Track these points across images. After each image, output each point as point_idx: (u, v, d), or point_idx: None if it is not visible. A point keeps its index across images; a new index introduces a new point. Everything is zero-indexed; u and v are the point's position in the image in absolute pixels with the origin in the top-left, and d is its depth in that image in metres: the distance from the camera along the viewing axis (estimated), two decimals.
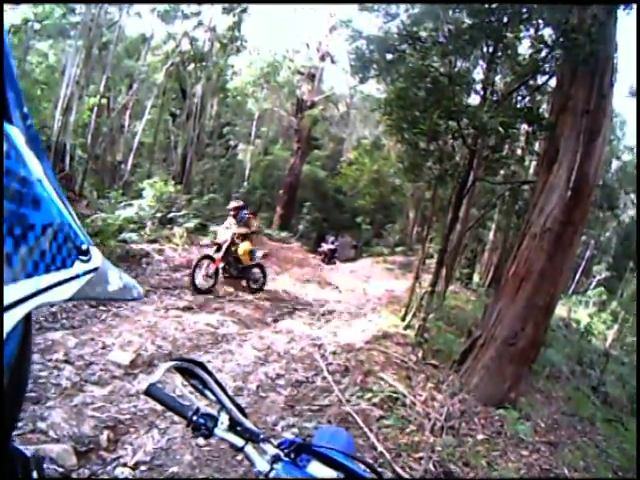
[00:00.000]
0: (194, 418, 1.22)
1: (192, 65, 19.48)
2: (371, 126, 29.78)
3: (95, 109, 16.40)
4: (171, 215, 13.10)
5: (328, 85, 28.99)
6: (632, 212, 31.08)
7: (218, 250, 9.91)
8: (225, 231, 10.20)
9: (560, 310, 15.82)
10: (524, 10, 7.53)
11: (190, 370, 1.25)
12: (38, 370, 4.44)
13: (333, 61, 25.79)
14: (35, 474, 0.72)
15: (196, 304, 8.31)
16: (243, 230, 10.29)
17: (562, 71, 7.35)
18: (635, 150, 26.27)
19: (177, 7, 18.37)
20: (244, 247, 10.23)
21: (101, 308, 6.70)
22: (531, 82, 8.85)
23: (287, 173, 26.03)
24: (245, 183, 26.60)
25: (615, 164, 29.77)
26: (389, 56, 8.63)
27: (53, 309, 6.12)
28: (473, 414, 6.03)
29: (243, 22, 19.99)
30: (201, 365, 1.26)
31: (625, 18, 7.05)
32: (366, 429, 4.90)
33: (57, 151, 12.98)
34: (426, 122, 8.30)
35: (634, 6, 6.75)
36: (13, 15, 17.27)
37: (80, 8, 16.10)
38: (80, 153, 15.86)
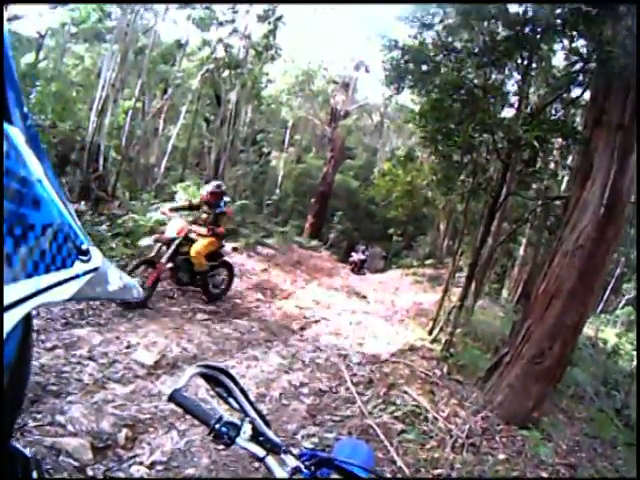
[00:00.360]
0: (217, 426, 1.23)
1: (227, 72, 19.62)
2: (405, 137, 29.65)
3: (130, 112, 16.66)
4: None
5: (362, 95, 29.10)
6: None
7: (167, 246, 7.64)
8: (176, 223, 7.90)
9: (587, 329, 15.47)
10: (558, 22, 7.43)
11: (215, 377, 1.26)
12: (62, 365, 4.52)
13: (367, 71, 25.85)
14: (35, 474, 0.72)
15: (223, 308, 8.36)
16: (203, 231, 8.00)
17: (596, 84, 7.21)
18: None
19: (212, 14, 18.56)
20: (198, 247, 7.85)
21: (128, 307, 6.77)
22: (565, 95, 8.73)
23: (319, 182, 26.14)
24: (277, 190, 26.76)
25: None
26: (424, 67, 8.59)
27: (80, 306, 6.21)
28: (495, 432, 5.93)
29: (278, 30, 20.10)
30: (226, 373, 1.26)
31: None
32: (387, 442, 4.87)
33: (91, 152, 13.21)
34: (460, 134, 8.25)
35: None
36: (51, 18, 17.75)
37: (116, 13, 16.44)
38: (114, 155, 16.11)
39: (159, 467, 3.55)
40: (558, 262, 6.54)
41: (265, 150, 27.14)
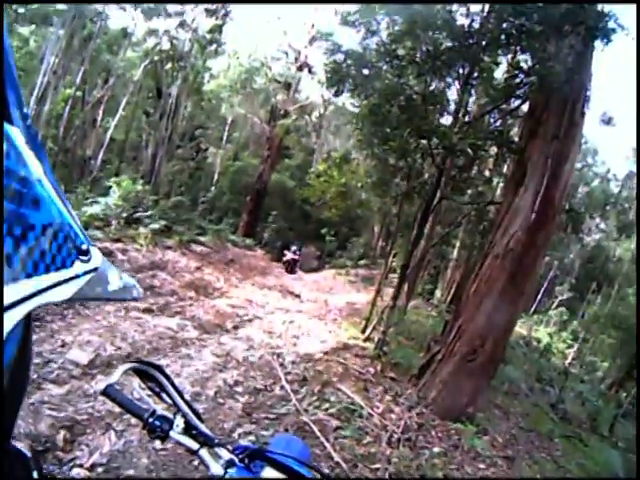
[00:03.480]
0: (150, 420, 1.22)
1: (170, 64, 19.32)
2: (342, 139, 29.97)
3: (70, 101, 16.13)
4: (137, 215, 12.90)
5: (303, 95, 29.13)
6: (596, 236, 32.08)
7: None
8: None
9: (521, 328, 16.13)
10: (502, 37, 7.68)
11: (148, 373, 1.25)
12: None
13: (311, 72, 25.88)
14: (35, 474, 0.72)
15: (156, 307, 8.20)
16: None
17: (535, 97, 7.55)
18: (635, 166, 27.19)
19: (161, 5, 18.23)
20: None
21: (62, 305, 6.57)
22: (504, 106, 9.02)
23: (255, 180, 25.96)
24: (213, 188, 26.46)
25: (583, 189, 30.58)
26: (365, 71, 8.69)
27: None
28: (430, 427, 6.08)
29: (225, 25, 19.94)
30: (159, 368, 1.25)
31: (600, 50, 7.26)
32: (323, 439, 4.91)
33: None
34: (397, 139, 8.39)
35: (631, 9, 7.02)
36: None
37: None
38: (51, 145, 15.57)
39: (99, 469, 3.46)
40: (489, 264, 6.78)
41: (203, 146, 26.80)
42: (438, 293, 20.80)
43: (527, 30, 7.12)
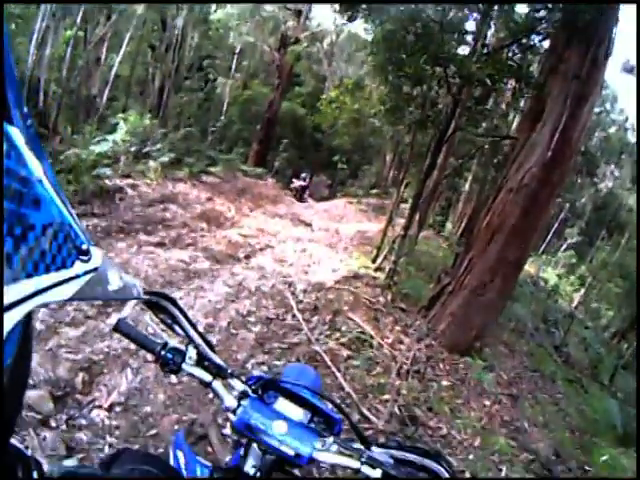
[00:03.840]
0: (162, 353, 1.23)
1: None
2: (355, 66, 29.17)
3: (71, 42, 15.72)
4: (146, 149, 12.80)
5: (315, 23, 28.23)
6: (610, 183, 31.58)
7: None
8: None
9: (529, 267, 16.14)
10: None
11: (159, 305, 1.24)
12: None
13: None
14: (35, 474, 0.72)
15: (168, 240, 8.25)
16: None
17: (557, 34, 7.21)
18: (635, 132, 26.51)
19: None
20: None
21: None
22: (524, 41, 8.69)
23: (266, 109, 25.54)
24: (222, 117, 26.09)
25: (600, 134, 29.89)
26: None
27: None
28: (439, 360, 6.20)
29: None
30: (171, 300, 1.24)
31: None
32: (334, 369, 5.02)
33: (31, 87, 12.56)
34: (412, 66, 8.16)
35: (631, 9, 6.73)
36: None
37: None
38: (55, 88, 15.32)
39: (118, 408, 3.56)
40: (503, 199, 6.70)
41: (211, 77, 26.23)
42: (449, 225, 20.77)
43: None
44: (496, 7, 8.30)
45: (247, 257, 8.83)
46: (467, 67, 7.53)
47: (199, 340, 1.26)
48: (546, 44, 8.35)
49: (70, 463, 2.84)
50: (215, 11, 23.04)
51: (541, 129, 6.48)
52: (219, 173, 16.11)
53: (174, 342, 1.27)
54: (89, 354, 4.06)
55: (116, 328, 1.27)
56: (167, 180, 11.80)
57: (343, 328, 6.17)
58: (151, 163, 11.95)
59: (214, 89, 27.16)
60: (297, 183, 21.73)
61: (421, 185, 9.41)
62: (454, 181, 18.59)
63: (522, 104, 10.95)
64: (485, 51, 9.01)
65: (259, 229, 11.46)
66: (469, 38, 9.14)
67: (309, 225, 14.64)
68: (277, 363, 4.90)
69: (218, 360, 1.28)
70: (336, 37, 29.02)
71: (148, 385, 3.89)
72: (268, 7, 25.05)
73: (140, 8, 18.67)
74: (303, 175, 22.46)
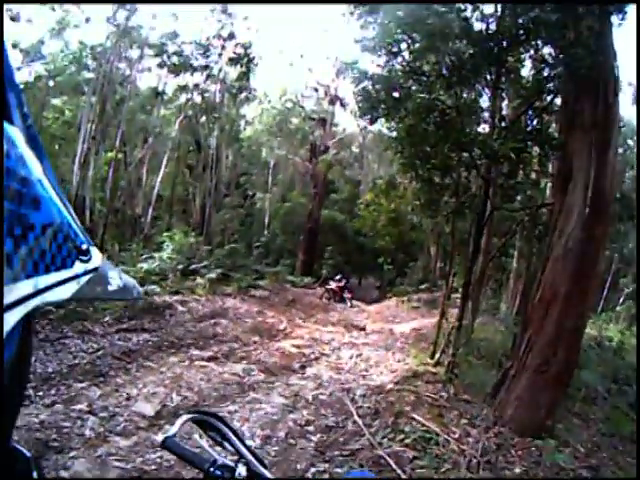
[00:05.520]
0: (211, 470, 1.20)
1: (204, 117, 19.85)
2: (385, 165, 29.93)
3: (112, 163, 16.77)
4: (193, 266, 13.15)
5: (340, 128, 29.38)
6: None
7: None
8: None
9: (591, 329, 15.43)
10: (521, 32, 7.59)
11: (208, 422, 1.24)
12: (61, 420, 4.44)
13: (342, 104, 26.12)
14: (35, 474, 0.72)
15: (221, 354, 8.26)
16: None
17: (566, 88, 7.35)
18: None
19: (185, 60, 18.82)
20: None
21: (126, 359, 6.72)
22: (537, 103, 8.83)
23: (306, 219, 26.17)
24: (265, 231, 26.80)
25: (630, 173, 29.44)
26: (395, 94, 8.69)
27: (76, 360, 6.15)
28: (510, 447, 5.83)
29: (252, 71, 20.41)
30: (218, 417, 1.24)
31: (620, 25, 7.08)
32: (399, 471, 4.77)
33: (76, 205, 13.20)
34: (438, 156, 8.32)
35: (631, 9, 6.82)
36: (27, 72, 17.96)
37: (92, 64, 16.64)
38: (99, 207, 16.18)
39: None
40: (551, 268, 6.53)
41: (249, 192, 27.28)
42: (503, 306, 20.26)
43: (543, 21, 6.99)
44: (503, 78, 8.51)
45: (302, 367, 8.74)
46: (489, 146, 7.64)
47: (249, 456, 1.23)
48: (558, 101, 8.43)
49: None
50: (244, 128, 24.21)
51: (573, 189, 6.40)
52: (267, 286, 16.35)
53: (224, 459, 1.24)
54: (140, 464, 4.01)
55: (163, 445, 1.25)
56: (216, 295, 12.02)
57: (406, 429, 5.90)
58: (199, 279, 12.25)
59: (254, 204, 28.20)
60: (333, 285, 21.71)
61: (468, 272, 9.29)
62: (501, 261, 18.31)
63: (550, 168, 10.93)
64: (503, 124, 9.14)
65: (312, 338, 11.40)
66: (486, 114, 9.29)
67: (363, 329, 14.47)
68: (338, 470, 4.70)
69: (269, 475, 1.24)
70: (363, 139, 30.02)
71: None
72: (294, 119, 26.27)
73: (174, 130, 19.82)
74: (337, 277, 22.45)
